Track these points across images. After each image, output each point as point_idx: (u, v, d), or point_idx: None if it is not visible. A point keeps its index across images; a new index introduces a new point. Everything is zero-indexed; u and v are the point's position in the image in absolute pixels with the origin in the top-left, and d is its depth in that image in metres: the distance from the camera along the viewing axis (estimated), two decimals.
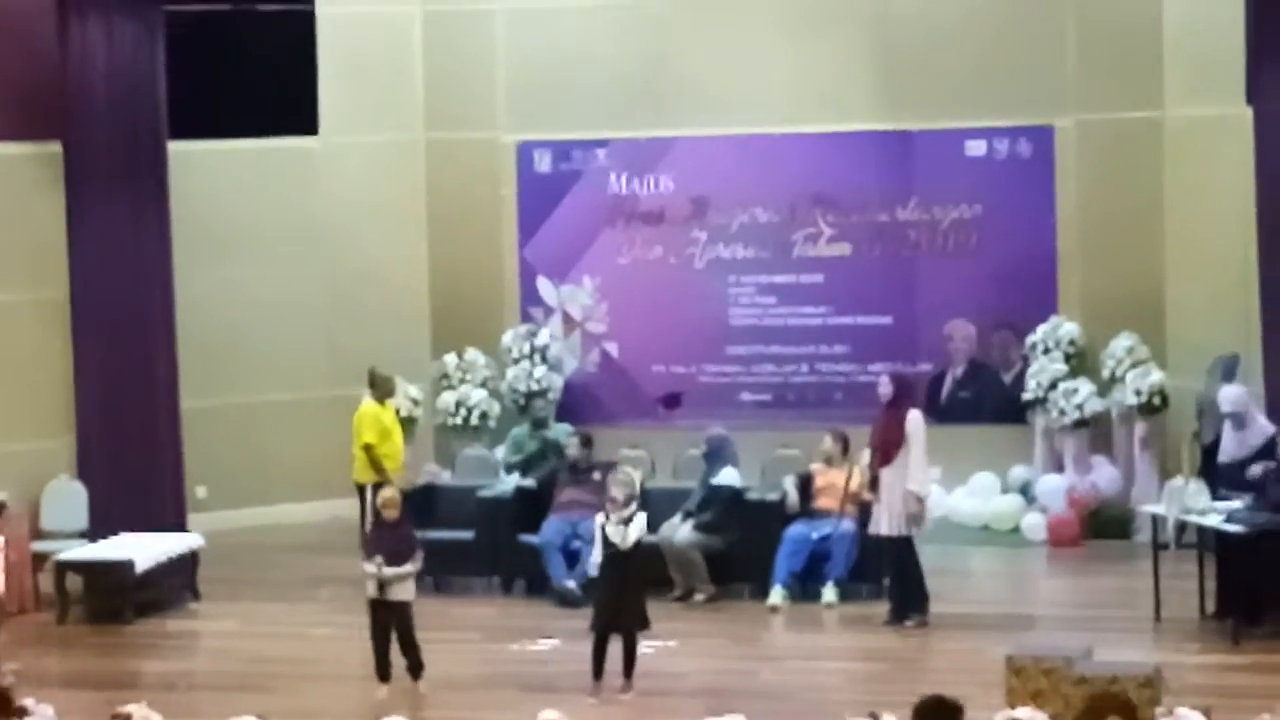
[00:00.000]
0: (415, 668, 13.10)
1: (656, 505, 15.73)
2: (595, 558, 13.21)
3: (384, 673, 13.06)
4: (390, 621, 13.01)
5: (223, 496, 18.51)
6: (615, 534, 12.89)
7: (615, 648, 13.04)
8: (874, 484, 14.74)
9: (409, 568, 13.05)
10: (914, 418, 14.68)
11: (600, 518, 13.10)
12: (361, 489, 16.42)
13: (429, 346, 19.45)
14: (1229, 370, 16.54)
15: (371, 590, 13.08)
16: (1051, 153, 18.45)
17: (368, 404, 16.74)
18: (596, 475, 15.79)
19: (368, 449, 16.49)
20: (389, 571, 12.94)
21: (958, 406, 18.75)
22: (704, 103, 18.99)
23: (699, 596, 15.57)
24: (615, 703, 12.79)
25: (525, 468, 16.83)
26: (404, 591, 13.06)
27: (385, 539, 13.11)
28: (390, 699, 12.79)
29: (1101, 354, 17.99)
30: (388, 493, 13.47)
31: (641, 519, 13.02)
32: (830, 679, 13.52)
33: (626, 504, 12.97)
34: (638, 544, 12.99)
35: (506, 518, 16.14)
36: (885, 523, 14.67)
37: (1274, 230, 16.18)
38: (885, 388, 14.93)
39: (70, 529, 16.76)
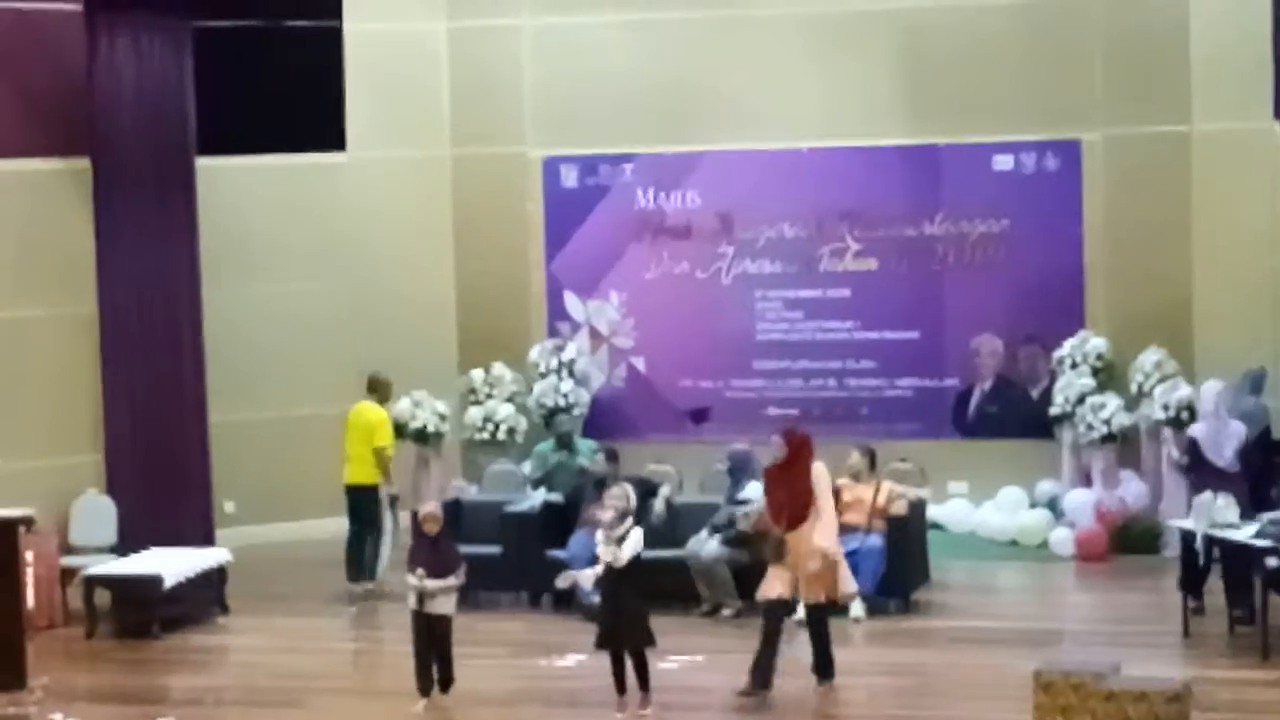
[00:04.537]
0: (445, 681, 13.10)
1: (684, 520, 15.74)
2: (587, 574, 13.12)
3: (424, 686, 13.02)
4: (430, 634, 13.01)
5: (250, 511, 18.55)
6: (607, 553, 12.80)
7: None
8: (780, 549, 13.17)
9: (451, 581, 13.04)
10: (819, 471, 13.28)
11: (599, 535, 13.04)
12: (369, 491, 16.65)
13: (456, 361, 19.47)
14: (1256, 384, 16.54)
15: (412, 602, 13.09)
16: (1079, 167, 18.45)
17: (377, 408, 16.81)
18: None
19: (380, 451, 16.67)
20: (431, 584, 12.94)
21: (985, 421, 18.74)
22: (731, 118, 19.01)
23: (726, 611, 15.54)
24: (640, 718, 12.76)
25: (549, 482, 16.81)
26: (443, 605, 13.04)
27: (425, 553, 13.10)
28: (425, 713, 12.81)
29: (1129, 368, 17.96)
30: (429, 508, 13.46)
31: (637, 535, 12.91)
32: (857, 694, 13.48)
33: (620, 520, 12.89)
34: (635, 560, 12.90)
35: (534, 533, 16.13)
36: (809, 590, 13.19)
37: None
38: (779, 449, 13.38)
39: (99, 544, 16.81)
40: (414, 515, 16.65)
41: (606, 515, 12.87)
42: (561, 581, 13.29)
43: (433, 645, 13.03)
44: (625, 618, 12.83)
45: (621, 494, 13.16)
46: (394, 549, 16.41)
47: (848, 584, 13.51)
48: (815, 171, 19.01)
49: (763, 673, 12.99)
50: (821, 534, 13.05)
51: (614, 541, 12.76)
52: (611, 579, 12.85)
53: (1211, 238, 17.84)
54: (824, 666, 13.34)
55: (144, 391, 17.48)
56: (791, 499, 13.16)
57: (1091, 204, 18.42)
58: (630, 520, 12.94)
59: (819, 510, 13.09)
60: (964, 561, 17.34)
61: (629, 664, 12.90)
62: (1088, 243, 18.45)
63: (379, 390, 16.98)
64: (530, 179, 19.65)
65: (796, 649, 14.76)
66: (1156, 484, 17.71)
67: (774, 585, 13.15)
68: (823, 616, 13.32)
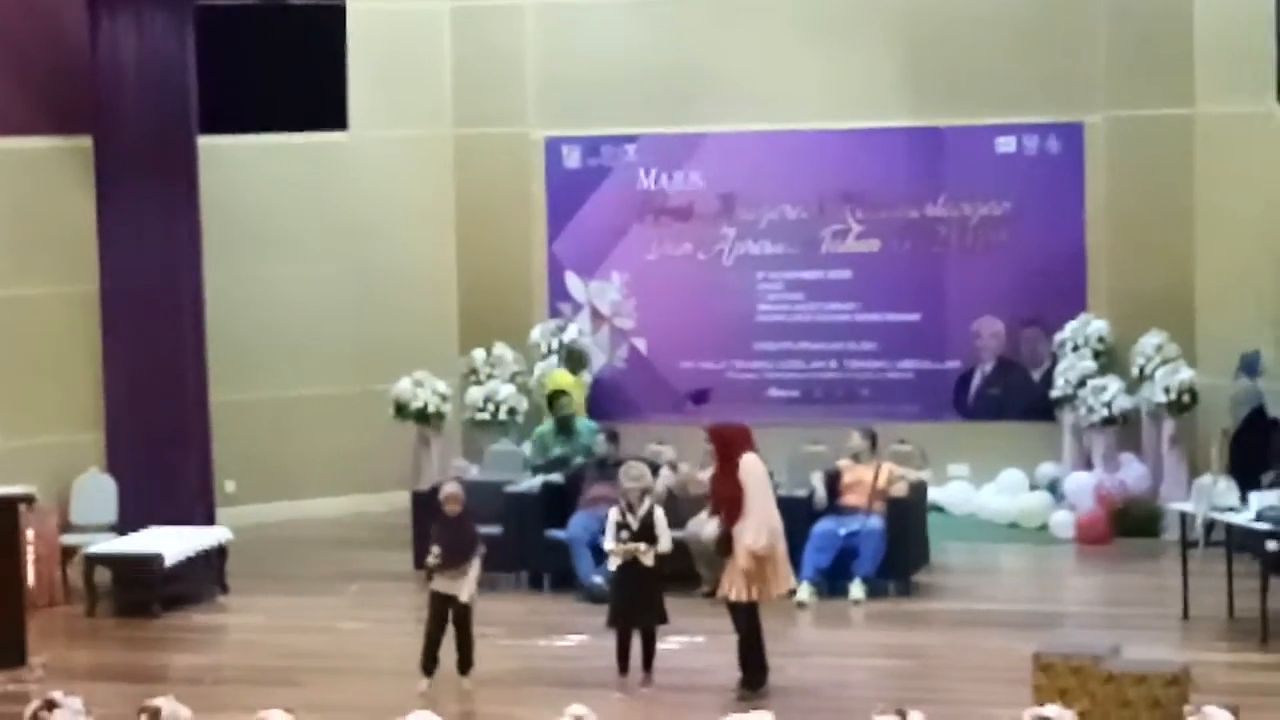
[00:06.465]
0: (465, 664, 13.06)
1: (684, 501, 15.73)
2: (610, 546, 13.15)
3: (429, 665, 13.01)
4: (448, 614, 12.99)
5: (251, 491, 18.54)
6: (646, 558, 12.88)
7: (638, 641, 13.06)
8: (727, 544, 12.86)
9: (475, 564, 13.02)
10: (747, 464, 12.82)
11: (614, 512, 13.08)
12: None
13: (457, 341, 19.46)
14: (1251, 366, 16.54)
15: (433, 582, 13.08)
16: (1081, 149, 18.42)
17: (564, 374, 18.18)
18: None
19: None
20: (453, 579, 12.94)
21: (986, 403, 18.74)
22: (733, 99, 18.99)
23: None
24: (641, 697, 12.79)
25: (550, 470, 16.79)
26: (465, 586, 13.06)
27: (447, 533, 13.07)
28: (427, 692, 12.82)
29: (1131, 351, 17.94)
30: (451, 488, 13.38)
31: (662, 521, 13.02)
32: (857, 675, 13.51)
33: (641, 499, 12.99)
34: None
35: (534, 513, 16.14)
36: (735, 587, 12.88)
37: None
38: (708, 445, 13.37)
39: (99, 522, 16.80)
40: (413, 495, 16.76)
41: (631, 484, 13.02)
42: (613, 562, 13.22)
43: (452, 626, 12.98)
44: (643, 599, 12.88)
45: (640, 473, 13.21)
46: None
47: (782, 581, 13.01)
48: (817, 153, 18.98)
49: (751, 671, 12.83)
50: (749, 531, 12.64)
51: (637, 528, 12.83)
52: (634, 565, 12.90)
53: (1214, 221, 17.81)
54: (749, 673, 12.82)
55: (145, 370, 17.46)
56: (722, 495, 12.93)
57: (1094, 186, 18.40)
58: (650, 500, 13.07)
59: (748, 507, 12.67)
60: (964, 544, 17.33)
61: (634, 644, 12.95)
62: (1090, 225, 18.43)
63: (572, 361, 18.35)
64: (532, 159, 19.63)
65: (800, 633, 14.81)
66: (1157, 467, 17.70)
67: (726, 585, 12.91)
68: (749, 618, 12.84)
